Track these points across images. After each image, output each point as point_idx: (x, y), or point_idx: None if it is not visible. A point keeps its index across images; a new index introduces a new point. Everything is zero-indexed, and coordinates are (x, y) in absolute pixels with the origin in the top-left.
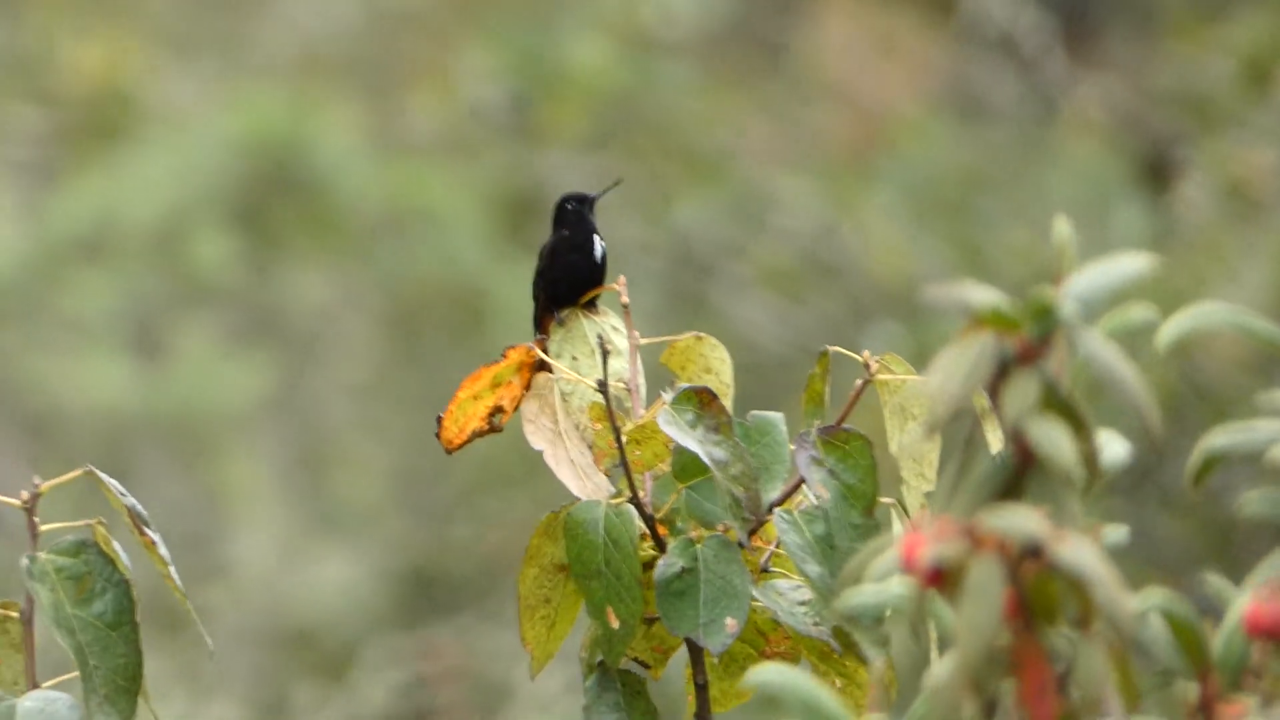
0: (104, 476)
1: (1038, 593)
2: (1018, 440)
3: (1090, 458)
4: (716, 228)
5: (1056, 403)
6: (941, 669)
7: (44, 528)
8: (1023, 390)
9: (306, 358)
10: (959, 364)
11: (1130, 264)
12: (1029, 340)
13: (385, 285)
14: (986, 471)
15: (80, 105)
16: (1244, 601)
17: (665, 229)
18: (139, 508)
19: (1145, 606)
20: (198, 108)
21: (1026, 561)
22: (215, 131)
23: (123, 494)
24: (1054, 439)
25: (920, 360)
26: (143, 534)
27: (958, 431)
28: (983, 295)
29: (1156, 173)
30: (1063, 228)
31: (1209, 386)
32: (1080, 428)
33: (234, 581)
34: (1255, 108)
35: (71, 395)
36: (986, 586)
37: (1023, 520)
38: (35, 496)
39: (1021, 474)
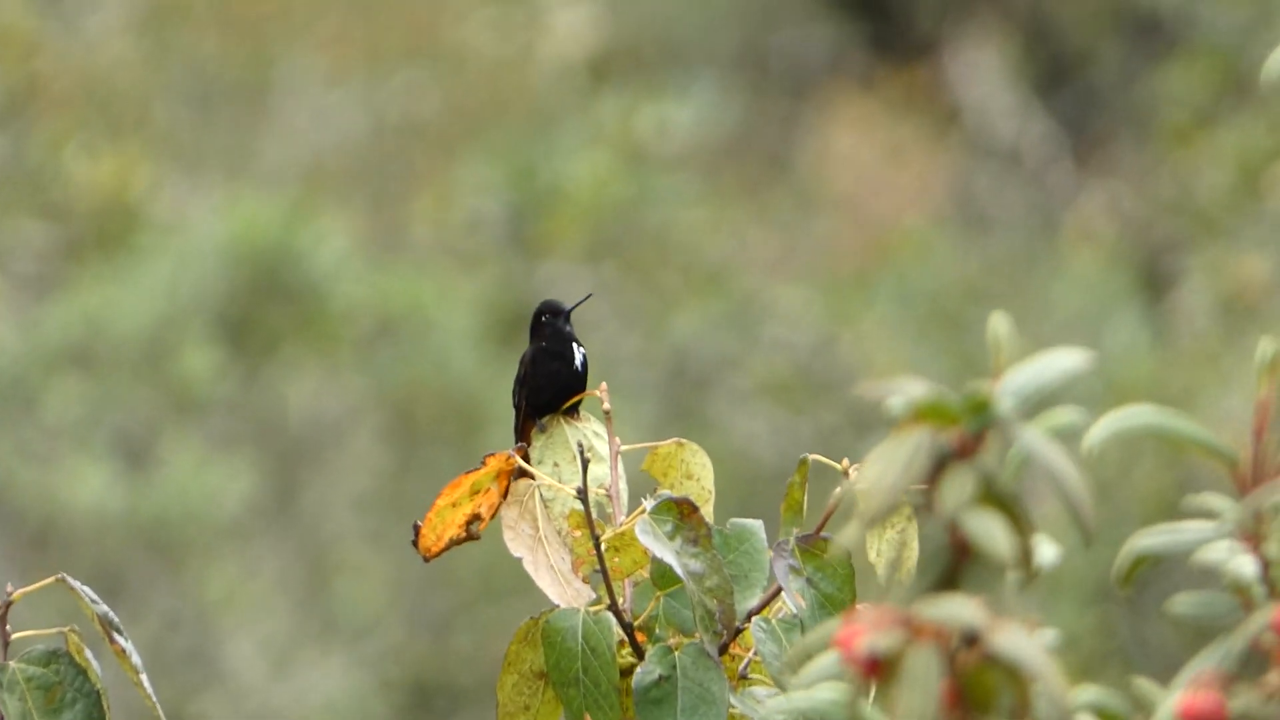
0: (75, 584)
1: (975, 683)
2: (954, 533)
3: (1026, 553)
4: (714, 339)
5: (994, 497)
6: None
7: (15, 635)
8: (960, 484)
9: (303, 465)
10: (895, 458)
11: (1066, 360)
12: (966, 435)
13: (379, 391)
14: (923, 564)
15: (87, 218)
16: (1174, 697)
17: (663, 341)
18: (111, 615)
19: (1076, 702)
20: (198, 217)
21: (964, 651)
22: (207, 239)
23: (94, 601)
24: (991, 532)
25: None
26: (113, 642)
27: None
28: (919, 389)
29: (1155, 281)
30: (1000, 324)
31: (1206, 489)
32: (1018, 522)
33: (228, 689)
34: (1248, 216)
35: (61, 502)
36: (924, 675)
37: (960, 609)
38: (7, 605)
39: (957, 567)
